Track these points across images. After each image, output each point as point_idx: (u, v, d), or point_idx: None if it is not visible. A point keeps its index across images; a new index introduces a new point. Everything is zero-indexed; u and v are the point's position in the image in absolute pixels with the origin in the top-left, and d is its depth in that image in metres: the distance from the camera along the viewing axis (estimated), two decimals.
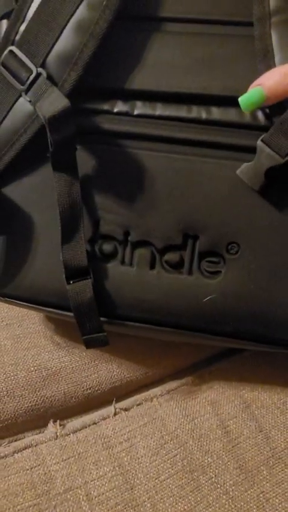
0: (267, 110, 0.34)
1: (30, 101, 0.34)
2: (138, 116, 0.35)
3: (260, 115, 0.34)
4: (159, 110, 0.35)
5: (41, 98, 0.33)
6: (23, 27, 0.35)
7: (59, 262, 0.35)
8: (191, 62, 0.34)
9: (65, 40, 0.34)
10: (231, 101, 0.34)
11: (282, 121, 0.32)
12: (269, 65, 0.33)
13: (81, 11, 0.34)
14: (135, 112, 0.35)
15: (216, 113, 0.35)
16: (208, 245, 0.35)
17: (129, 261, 0.36)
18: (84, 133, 0.35)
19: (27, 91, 0.34)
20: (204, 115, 0.35)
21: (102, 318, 0.36)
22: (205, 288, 0.35)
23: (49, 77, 0.34)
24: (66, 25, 0.34)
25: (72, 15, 0.34)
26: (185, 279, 0.35)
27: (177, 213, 0.35)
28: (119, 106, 0.35)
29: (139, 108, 0.35)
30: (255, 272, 0.35)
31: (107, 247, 0.36)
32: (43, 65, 0.34)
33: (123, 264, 0.36)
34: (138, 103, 0.35)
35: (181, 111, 0.35)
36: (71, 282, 0.35)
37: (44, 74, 0.34)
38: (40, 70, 0.34)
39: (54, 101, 0.32)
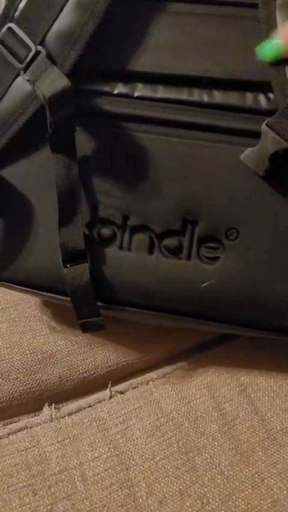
0: (270, 95, 0.34)
1: (29, 80, 0.33)
2: (139, 98, 0.35)
3: (262, 99, 0.34)
4: (160, 92, 0.35)
5: (40, 77, 0.33)
6: (22, 4, 0.34)
7: (57, 246, 0.35)
8: (194, 44, 0.34)
9: (65, 18, 0.33)
10: (233, 85, 0.34)
11: (287, 105, 0.32)
12: None
13: None
14: (136, 94, 0.35)
15: (217, 96, 0.34)
16: (207, 231, 0.34)
17: (127, 245, 0.36)
18: (83, 114, 0.34)
19: (25, 69, 0.33)
20: (205, 98, 0.34)
21: (99, 303, 0.36)
22: (203, 273, 0.35)
23: (48, 56, 0.33)
24: (66, 2, 0.33)
25: None
26: (184, 265, 0.35)
27: (176, 198, 0.34)
28: (120, 88, 0.35)
29: (140, 90, 0.35)
30: (254, 258, 0.34)
31: (106, 231, 0.36)
32: (42, 43, 0.33)
33: (121, 249, 0.36)
34: (139, 85, 0.35)
35: (182, 94, 0.34)
36: (68, 265, 0.35)
37: (44, 52, 0.33)
38: (39, 48, 0.33)
39: (54, 81, 0.32)
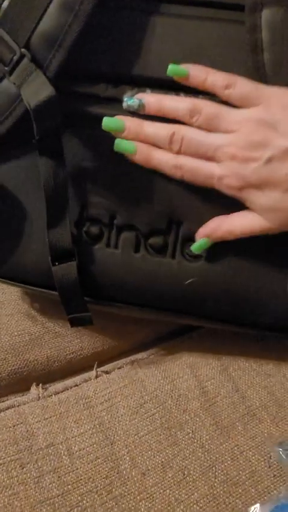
0: None
1: (14, 84, 0.33)
2: None
3: None
4: None
5: (26, 81, 0.32)
6: (5, 4, 0.34)
7: (46, 243, 0.35)
8: (181, 48, 0.34)
9: (49, 19, 0.33)
10: None
11: None
12: (257, 60, 0.32)
13: None
14: (124, 97, 0.34)
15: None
16: (191, 230, 0.36)
17: (114, 244, 0.37)
18: (71, 116, 0.35)
19: (10, 72, 0.33)
20: None
21: (87, 298, 0.37)
22: (187, 271, 0.36)
23: (33, 59, 0.33)
24: (49, 4, 0.32)
25: None
26: (168, 263, 0.36)
27: (161, 199, 0.35)
28: (108, 91, 0.35)
29: (128, 93, 0.35)
30: (234, 257, 0.36)
31: (93, 230, 0.37)
32: (27, 45, 0.33)
33: (108, 247, 0.37)
34: (128, 88, 0.35)
35: None
36: (56, 263, 0.36)
37: (28, 55, 0.33)
38: (24, 51, 0.33)
39: (39, 89, 0.32)
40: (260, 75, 0.32)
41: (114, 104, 0.35)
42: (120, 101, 0.35)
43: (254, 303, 0.37)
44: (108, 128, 0.33)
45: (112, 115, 0.34)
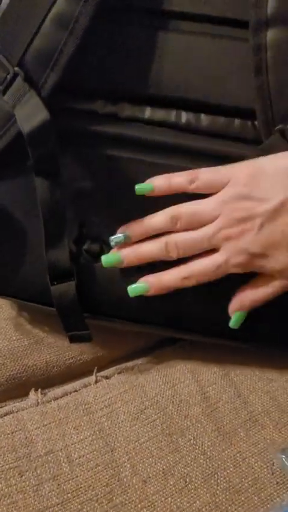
0: (256, 123, 0.33)
1: (7, 103, 0.32)
2: (126, 118, 0.34)
3: (249, 125, 0.33)
4: (148, 113, 0.34)
5: (19, 102, 0.31)
6: None
7: (44, 262, 0.35)
8: (183, 66, 0.33)
9: (43, 37, 0.31)
10: (222, 110, 0.33)
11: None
12: (262, 82, 0.31)
13: (59, 4, 0.31)
14: (123, 115, 0.34)
15: (205, 121, 0.34)
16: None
17: None
18: (69, 134, 0.34)
19: (4, 91, 0.32)
20: (193, 122, 0.34)
21: (87, 314, 0.37)
22: (183, 290, 0.35)
23: (27, 78, 0.32)
24: (44, 20, 0.31)
25: (50, 9, 0.31)
26: None
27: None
28: (106, 107, 0.34)
29: (127, 110, 0.34)
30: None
31: (94, 247, 0.36)
32: (21, 64, 0.32)
33: None
34: (127, 105, 0.34)
35: (170, 116, 0.34)
36: (55, 283, 0.35)
37: (22, 74, 0.32)
38: (17, 69, 0.32)
39: (33, 112, 0.31)
40: (264, 97, 0.31)
41: (113, 121, 0.34)
42: (119, 118, 0.34)
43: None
44: (109, 265, 0.35)
45: (110, 132, 0.34)
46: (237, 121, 0.33)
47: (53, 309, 0.37)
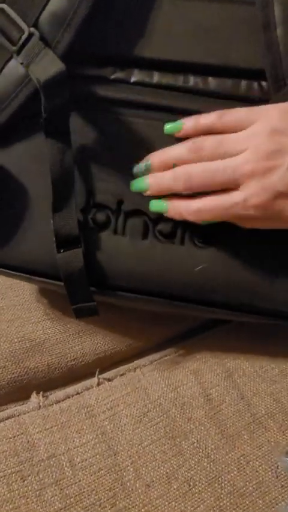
0: (263, 83, 0.33)
1: (22, 64, 0.32)
2: (135, 83, 0.35)
3: (255, 87, 0.34)
4: (156, 78, 0.35)
5: (34, 60, 0.32)
6: None
7: (51, 231, 0.34)
8: (190, 30, 0.34)
9: (57, 0, 0.32)
10: (228, 72, 0.34)
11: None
12: (271, 37, 0.32)
13: None
14: (132, 80, 0.35)
15: (212, 83, 0.34)
16: None
17: (121, 230, 0.36)
18: (79, 99, 0.34)
19: (18, 52, 0.32)
20: (201, 85, 0.34)
21: (93, 288, 0.36)
22: (196, 257, 0.35)
23: (42, 38, 0.32)
24: None
25: None
26: (177, 249, 0.35)
27: None
28: (116, 73, 0.35)
29: (136, 75, 0.35)
30: (244, 244, 0.35)
31: (100, 216, 0.36)
32: (35, 25, 0.33)
33: (116, 234, 0.36)
34: (135, 71, 0.35)
35: (178, 80, 0.34)
36: (62, 250, 0.35)
37: (37, 34, 0.32)
38: (33, 29, 0.32)
39: (49, 65, 0.31)
40: (273, 53, 0.32)
41: (122, 87, 0.35)
42: (128, 83, 0.35)
43: (264, 291, 0.36)
44: (136, 189, 0.35)
45: (120, 97, 0.34)
46: (243, 82, 0.34)
47: (57, 282, 0.36)
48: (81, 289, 0.35)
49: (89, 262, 0.35)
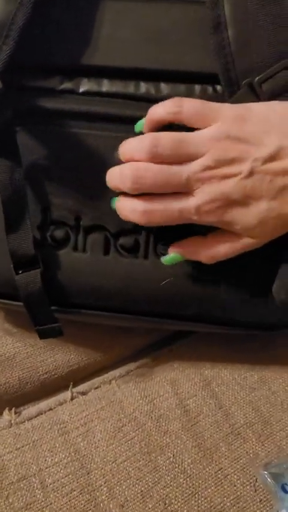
0: (217, 87, 0.32)
1: None
2: (84, 93, 0.33)
3: (209, 91, 0.32)
4: (106, 86, 0.33)
5: None
6: None
7: (6, 251, 0.33)
8: (138, 34, 0.32)
9: None
10: (181, 77, 0.32)
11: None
12: (222, 39, 0.30)
13: None
14: (81, 89, 0.33)
15: (165, 89, 0.33)
16: (163, 228, 0.33)
17: (82, 247, 0.34)
18: (26, 113, 0.33)
19: None
20: (153, 92, 0.33)
21: (55, 307, 0.35)
22: (162, 271, 0.34)
23: None
24: None
25: None
26: (141, 263, 0.34)
27: None
28: (64, 83, 0.33)
29: (84, 85, 0.33)
30: None
31: (59, 233, 0.34)
32: None
33: (76, 251, 0.35)
34: (84, 80, 0.33)
35: (129, 87, 0.33)
36: (20, 272, 0.33)
37: None
38: None
39: None
40: (225, 54, 0.30)
41: (70, 97, 0.33)
42: (77, 93, 0.33)
43: (234, 302, 0.35)
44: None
45: (69, 109, 0.33)
46: (197, 87, 0.33)
47: (18, 303, 0.35)
48: (42, 311, 0.34)
49: (49, 281, 0.34)
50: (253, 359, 0.40)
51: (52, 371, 0.39)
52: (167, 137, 0.29)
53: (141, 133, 0.31)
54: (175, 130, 0.30)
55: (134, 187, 0.30)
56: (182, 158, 0.29)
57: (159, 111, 0.30)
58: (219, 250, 0.31)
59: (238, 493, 0.32)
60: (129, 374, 0.39)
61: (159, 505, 0.31)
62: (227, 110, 0.29)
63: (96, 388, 0.38)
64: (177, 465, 0.33)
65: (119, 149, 0.32)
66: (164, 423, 0.35)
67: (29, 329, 0.40)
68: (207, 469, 0.33)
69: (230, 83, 0.31)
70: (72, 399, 0.37)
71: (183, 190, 0.30)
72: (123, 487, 0.32)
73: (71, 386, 0.38)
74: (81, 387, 0.38)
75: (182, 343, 0.42)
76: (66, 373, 0.40)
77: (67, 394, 0.38)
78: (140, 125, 0.32)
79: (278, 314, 0.35)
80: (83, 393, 0.38)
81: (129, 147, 0.31)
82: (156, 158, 0.29)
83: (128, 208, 0.31)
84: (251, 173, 0.28)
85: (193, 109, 0.29)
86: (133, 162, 0.30)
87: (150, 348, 0.42)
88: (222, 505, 0.31)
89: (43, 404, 0.38)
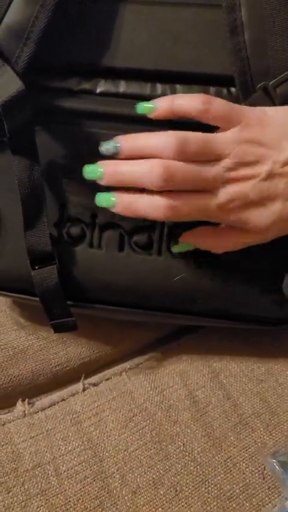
0: (232, 89, 0.33)
1: None
2: (101, 94, 0.34)
3: (224, 93, 0.33)
4: (123, 87, 0.34)
5: None
6: None
7: (23, 247, 0.34)
8: (156, 37, 0.32)
9: (15, 12, 0.32)
10: (196, 79, 0.33)
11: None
12: (238, 42, 0.31)
13: None
14: (98, 90, 0.34)
15: (180, 91, 0.33)
16: (176, 225, 0.34)
17: (97, 243, 0.35)
18: (45, 112, 0.33)
19: None
20: (169, 93, 0.33)
21: (71, 302, 0.36)
22: (174, 267, 0.35)
23: (1, 54, 0.31)
24: None
25: None
26: (155, 260, 0.35)
27: None
28: (81, 84, 0.34)
29: (102, 86, 0.34)
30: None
31: (75, 230, 0.35)
32: None
33: (91, 247, 0.35)
34: (101, 81, 0.34)
35: (145, 89, 0.33)
36: (36, 267, 0.34)
37: None
38: None
39: (7, 84, 0.30)
40: (241, 57, 0.31)
41: (88, 98, 0.34)
42: (94, 94, 0.33)
43: (244, 297, 0.36)
44: (89, 177, 0.31)
45: (86, 109, 0.33)
46: (212, 89, 0.33)
47: (34, 298, 0.35)
48: (58, 306, 0.35)
49: (65, 277, 0.34)
50: (260, 352, 0.40)
51: (64, 363, 0.40)
52: (194, 137, 0.30)
53: (143, 115, 0.31)
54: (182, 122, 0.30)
55: (164, 184, 0.29)
56: (209, 158, 0.30)
57: (185, 106, 0.30)
58: (229, 240, 0.32)
59: (247, 481, 0.32)
60: (139, 366, 0.40)
61: (170, 491, 0.32)
62: (249, 113, 0.30)
63: (107, 380, 0.39)
64: (187, 453, 0.34)
65: (124, 142, 0.31)
66: (173, 414, 0.36)
67: (41, 323, 0.41)
68: (217, 458, 0.34)
69: (245, 86, 0.31)
70: (84, 390, 0.38)
71: (207, 189, 0.30)
72: (135, 474, 0.33)
73: (82, 377, 0.39)
74: (93, 379, 0.39)
75: (190, 337, 0.42)
76: (78, 365, 0.41)
77: (79, 385, 0.39)
78: (144, 108, 0.31)
79: (286, 309, 0.36)
80: (95, 385, 0.39)
81: (153, 143, 0.30)
82: (184, 156, 0.30)
83: (148, 204, 0.30)
84: (269, 176, 0.30)
85: (221, 111, 0.30)
86: (161, 160, 0.30)
87: (159, 341, 0.43)
88: (231, 492, 0.32)
89: (55, 395, 0.39)
